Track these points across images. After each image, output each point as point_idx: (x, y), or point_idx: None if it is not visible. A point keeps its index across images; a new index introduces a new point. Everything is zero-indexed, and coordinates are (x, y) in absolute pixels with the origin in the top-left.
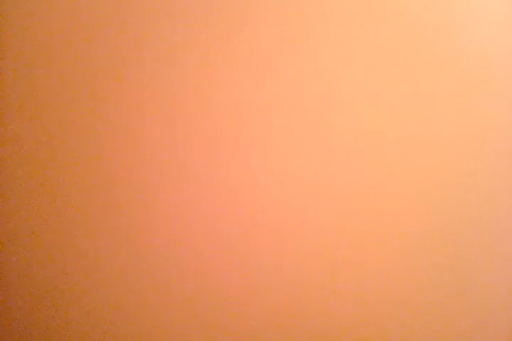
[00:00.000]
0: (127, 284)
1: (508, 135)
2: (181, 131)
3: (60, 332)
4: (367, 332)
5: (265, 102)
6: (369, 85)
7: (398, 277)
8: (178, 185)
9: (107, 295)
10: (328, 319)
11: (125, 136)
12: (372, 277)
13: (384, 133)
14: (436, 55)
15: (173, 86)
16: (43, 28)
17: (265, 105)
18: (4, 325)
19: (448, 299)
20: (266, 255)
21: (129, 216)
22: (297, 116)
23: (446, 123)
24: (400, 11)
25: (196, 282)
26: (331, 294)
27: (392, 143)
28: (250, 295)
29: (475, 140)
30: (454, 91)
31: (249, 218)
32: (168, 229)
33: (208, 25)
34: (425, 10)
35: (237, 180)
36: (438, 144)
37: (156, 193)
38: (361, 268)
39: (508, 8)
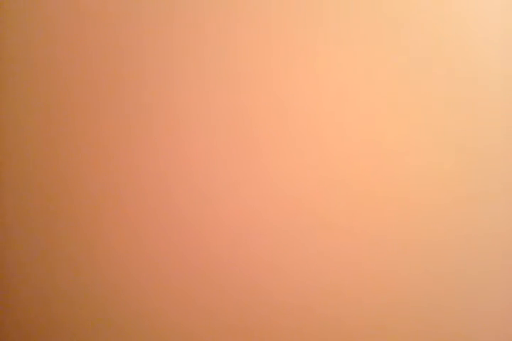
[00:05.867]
0: (131, 280)
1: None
2: (185, 130)
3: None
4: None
5: (268, 102)
6: (369, 85)
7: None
8: (180, 184)
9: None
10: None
11: (128, 135)
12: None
13: (384, 130)
14: (434, 57)
15: (176, 85)
16: (44, 27)
17: (267, 105)
18: (5, 323)
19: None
20: (268, 251)
21: (134, 215)
22: (299, 115)
23: (445, 121)
24: (398, 13)
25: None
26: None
27: (391, 140)
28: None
29: (472, 138)
30: (453, 92)
31: (252, 214)
32: (168, 226)
33: (208, 24)
34: (424, 13)
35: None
36: (438, 144)
37: (159, 192)
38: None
39: (508, 8)
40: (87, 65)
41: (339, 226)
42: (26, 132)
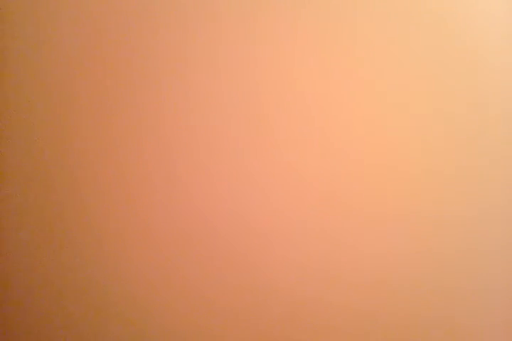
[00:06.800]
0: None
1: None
2: (198, 125)
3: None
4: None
5: (268, 102)
6: (369, 83)
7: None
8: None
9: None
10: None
11: (132, 134)
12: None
13: (392, 124)
14: (434, 55)
15: (187, 83)
16: (50, 25)
17: (282, 100)
18: (5, 321)
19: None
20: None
21: (143, 208)
22: (313, 109)
23: (444, 121)
24: (398, 12)
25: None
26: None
27: (400, 133)
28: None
29: (471, 135)
30: (459, 88)
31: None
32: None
33: (214, 22)
34: (424, 12)
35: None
36: (436, 144)
37: (169, 185)
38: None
39: (508, 8)
40: (94, 62)
41: (350, 220)
42: (34, 128)
